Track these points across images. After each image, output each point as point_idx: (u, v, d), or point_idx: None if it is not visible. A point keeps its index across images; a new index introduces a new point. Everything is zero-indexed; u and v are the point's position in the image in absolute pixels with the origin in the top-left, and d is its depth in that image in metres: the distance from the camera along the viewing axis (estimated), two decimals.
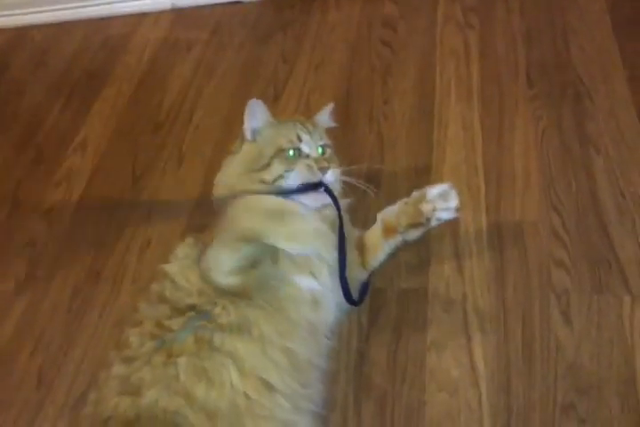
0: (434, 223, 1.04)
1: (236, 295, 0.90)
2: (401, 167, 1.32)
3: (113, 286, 1.22)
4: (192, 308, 0.90)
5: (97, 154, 1.51)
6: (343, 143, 1.36)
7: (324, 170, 1.01)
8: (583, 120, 1.31)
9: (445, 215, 1.03)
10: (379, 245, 1.09)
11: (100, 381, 0.89)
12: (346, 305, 1.00)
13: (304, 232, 0.89)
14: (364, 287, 1.08)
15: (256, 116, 1.05)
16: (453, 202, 1.02)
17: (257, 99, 1.04)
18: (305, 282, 0.96)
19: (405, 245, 1.10)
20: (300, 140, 1.03)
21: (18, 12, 1.96)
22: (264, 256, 0.92)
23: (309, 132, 1.05)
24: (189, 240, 1.03)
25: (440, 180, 1.26)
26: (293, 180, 1.01)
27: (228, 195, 1.03)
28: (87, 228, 1.35)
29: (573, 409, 0.93)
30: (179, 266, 0.97)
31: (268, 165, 1.02)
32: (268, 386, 0.86)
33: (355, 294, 1.01)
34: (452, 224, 1.16)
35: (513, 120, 1.34)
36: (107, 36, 1.86)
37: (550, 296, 1.06)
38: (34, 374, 1.13)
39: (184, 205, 1.33)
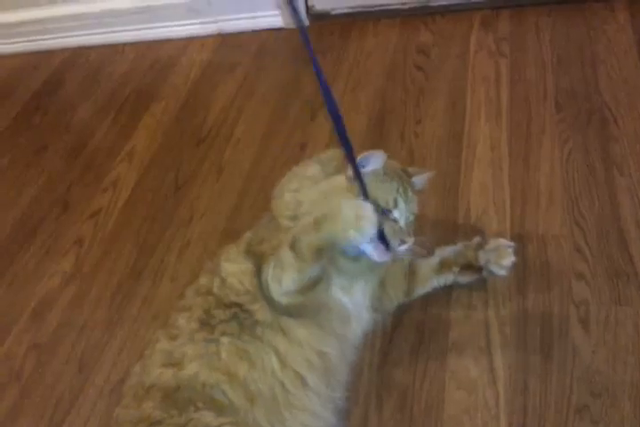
0: (485, 274, 1.11)
1: (286, 313, 0.93)
2: (430, 184, 1.37)
3: (153, 282, 1.30)
4: (237, 305, 0.95)
5: (142, 164, 1.61)
6: None
7: (402, 242, 0.95)
8: (608, 143, 1.35)
9: (496, 270, 1.10)
10: (429, 277, 1.14)
11: (145, 355, 0.96)
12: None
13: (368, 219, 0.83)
14: None
15: (370, 164, 0.96)
16: (507, 261, 1.09)
17: (384, 152, 0.96)
18: (341, 298, 1.00)
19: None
20: (395, 205, 0.96)
21: (75, 33, 2.11)
22: (322, 277, 0.93)
23: (406, 200, 0.98)
24: (242, 246, 1.03)
25: (467, 196, 1.32)
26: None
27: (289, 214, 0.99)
28: (130, 230, 1.44)
29: (587, 411, 0.96)
30: (234, 267, 0.99)
31: None
32: (303, 382, 0.92)
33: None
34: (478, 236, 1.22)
35: (540, 142, 1.39)
36: (156, 57, 1.98)
37: (570, 306, 1.09)
38: (76, 360, 1.21)
39: (222, 211, 1.41)
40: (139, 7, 1.98)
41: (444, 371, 1.05)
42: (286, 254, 0.88)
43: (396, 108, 1.57)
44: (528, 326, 1.08)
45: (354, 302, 1.02)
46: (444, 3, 1.80)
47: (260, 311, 0.93)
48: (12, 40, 2.17)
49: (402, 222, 0.97)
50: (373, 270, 1.03)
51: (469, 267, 1.12)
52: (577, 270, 1.14)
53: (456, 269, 1.13)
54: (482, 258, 1.11)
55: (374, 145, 1.48)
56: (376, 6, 1.86)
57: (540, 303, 1.11)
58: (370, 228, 0.82)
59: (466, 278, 1.14)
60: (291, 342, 0.92)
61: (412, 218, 1.00)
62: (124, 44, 2.06)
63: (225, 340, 0.91)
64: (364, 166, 0.93)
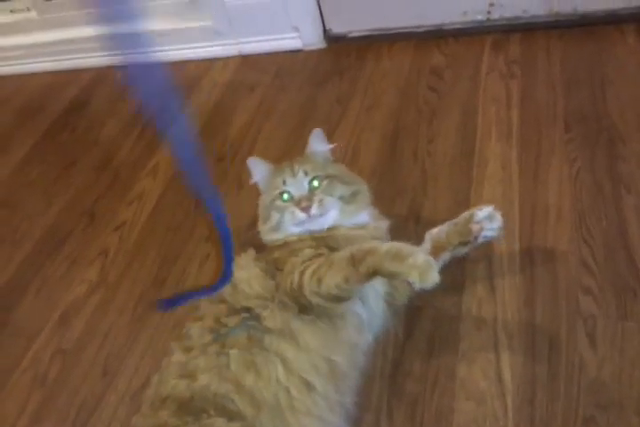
0: (480, 240, 1.15)
1: (307, 311, 0.99)
2: (442, 201, 1.42)
3: (174, 292, 1.34)
4: (247, 310, 1.01)
5: (166, 179, 1.68)
6: (389, 177, 1.50)
7: (306, 209, 1.07)
8: (616, 162, 1.39)
9: (491, 233, 1.14)
10: None
11: (162, 366, 1.01)
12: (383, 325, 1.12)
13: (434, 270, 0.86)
14: None
15: (255, 172, 1.19)
16: (498, 222, 1.14)
17: (253, 157, 1.19)
18: (356, 307, 1.05)
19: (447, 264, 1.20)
20: (284, 184, 1.12)
21: (102, 53, 2.19)
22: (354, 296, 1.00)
23: (294, 174, 1.12)
24: (251, 252, 1.13)
25: None
26: (288, 224, 1.10)
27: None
28: (154, 241, 1.50)
29: (594, 422, 0.99)
30: (243, 274, 1.06)
31: (269, 216, 1.13)
32: (309, 386, 0.95)
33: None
34: (487, 250, 1.25)
35: (549, 160, 1.43)
36: (180, 77, 2.06)
37: (577, 320, 1.12)
38: (100, 365, 1.26)
39: (241, 224, 1.45)
40: (164, 29, 2.06)
41: (454, 381, 1.08)
42: (341, 261, 0.94)
43: (409, 128, 1.63)
44: (536, 338, 1.11)
45: (368, 310, 1.07)
46: (457, 26, 1.86)
47: (270, 318, 0.98)
48: (42, 59, 2.27)
49: (302, 193, 1.10)
50: None
51: (464, 241, 1.15)
52: (584, 285, 1.17)
53: (451, 247, 1.16)
54: (475, 229, 1.13)
55: (388, 162, 1.54)
56: (391, 29, 1.92)
57: (547, 317, 1.14)
58: (434, 278, 0.85)
59: (462, 250, 1.18)
60: (299, 349, 0.97)
61: (324, 181, 1.11)
62: None
63: (234, 352, 0.95)
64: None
